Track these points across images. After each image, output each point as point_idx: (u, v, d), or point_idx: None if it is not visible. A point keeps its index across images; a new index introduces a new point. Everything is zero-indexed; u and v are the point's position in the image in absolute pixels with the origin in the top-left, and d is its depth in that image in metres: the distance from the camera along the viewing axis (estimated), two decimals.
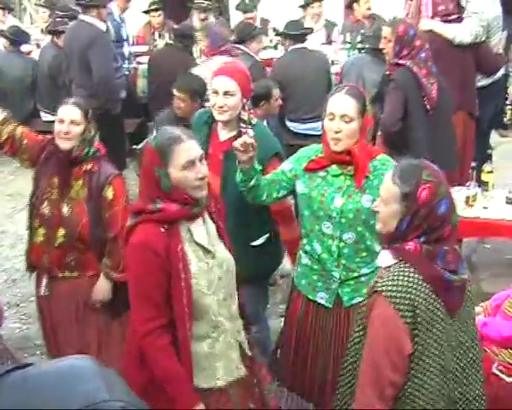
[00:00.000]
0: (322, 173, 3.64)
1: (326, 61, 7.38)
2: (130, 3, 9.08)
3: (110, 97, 6.99)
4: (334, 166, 3.61)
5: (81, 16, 7.20)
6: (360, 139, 3.56)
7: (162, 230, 3.00)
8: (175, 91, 5.91)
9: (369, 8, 8.81)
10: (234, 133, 4.06)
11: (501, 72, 7.16)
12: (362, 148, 3.55)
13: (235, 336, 3.27)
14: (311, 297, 3.81)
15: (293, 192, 3.81)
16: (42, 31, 8.72)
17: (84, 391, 1.45)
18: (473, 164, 6.23)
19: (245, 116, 4.10)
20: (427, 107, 5.63)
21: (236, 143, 3.54)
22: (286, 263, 5.77)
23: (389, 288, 2.66)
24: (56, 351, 4.28)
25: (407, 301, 2.63)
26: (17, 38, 8.09)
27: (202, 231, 3.16)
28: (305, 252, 3.79)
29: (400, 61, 5.61)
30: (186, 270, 3.02)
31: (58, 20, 8.42)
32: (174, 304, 3.02)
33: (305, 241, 3.78)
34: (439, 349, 2.69)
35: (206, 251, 3.15)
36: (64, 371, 1.52)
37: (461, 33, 6.55)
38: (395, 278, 2.67)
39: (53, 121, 5.64)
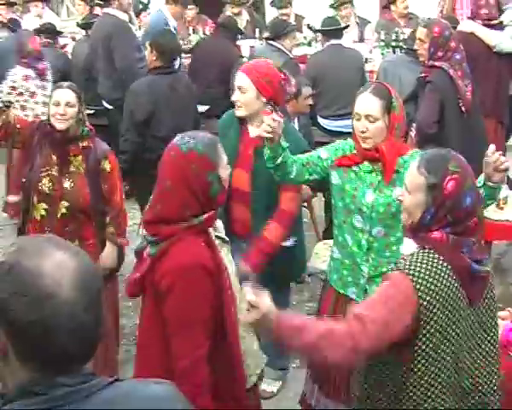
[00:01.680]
0: (355, 168, 3.69)
1: (360, 58, 7.35)
2: None
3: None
4: (365, 163, 3.67)
5: (105, 9, 7.45)
6: (389, 136, 3.59)
7: (203, 243, 2.84)
8: None
9: (406, 8, 8.74)
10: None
11: None
12: (390, 145, 3.58)
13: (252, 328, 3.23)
14: (342, 292, 3.84)
15: (323, 179, 3.84)
16: (77, 24, 8.75)
17: None
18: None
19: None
20: (463, 109, 5.59)
21: (263, 126, 3.59)
22: (314, 261, 5.82)
23: (411, 268, 2.61)
24: None
25: (428, 285, 2.57)
26: (49, 34, 8.15)
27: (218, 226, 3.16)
28: (337, 244, 3.84)
29: (436, 63, 5.57)
30: (229, 277, 2.98)
31: (90, 14, 8.53)
32: (226, 315, 2.88)
33: (337, 232, 3.85)
34: (456, 339, 2.64)
35: (226, 245, 3.14)
36: (152, 395, 1.58)
37: (504, 41, 6.51)
38: (418, 260, 2.63)
39: (90, 114, 5.74)
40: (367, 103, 3.59)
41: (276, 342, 2.52)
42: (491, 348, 2.79)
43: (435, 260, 2.61)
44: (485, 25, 6.54)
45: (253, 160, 4.20)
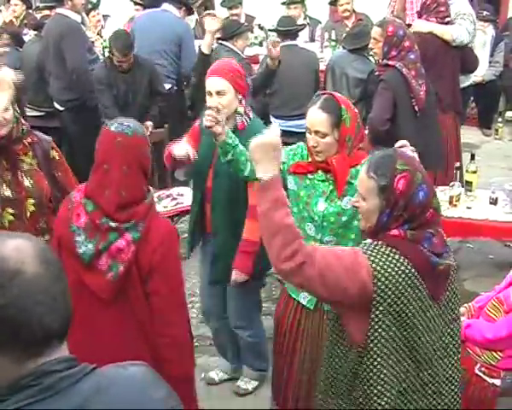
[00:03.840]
0: (310, 176, 3.67)
1: (315, 59, 7.35)
2: None
3: (84, 89, 6.98)
4: (319, 172, 3.64)
5: (57, 9, 7.31)
6: (340, 149, 3.55)
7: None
8: None
9: (344, 11, 8.75)
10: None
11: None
12: (341, 158, 3.54)
13: None
14: (293, 296, 3.83)
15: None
16: (25, 25, 8.59)
17: (156, 399, 1.56)
18: (457, 164, 6.27)
19: (241, 110, 4.19)
20: (416, 108, 5.65)
21: (205, 122, 3.76)
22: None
23: (369, 251, 2.64)
24: None
25: (384, 268, 2.59)
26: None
27: None
28: None
29: (390, 62, 5.62)
30: None
31: (37, 15, 8.38)
32: None
33: None
34: (411, 327, 2.66)
35: None
36: (134, 379, 1.60)
37: (461, 34, 6.63)
38: (376, 248, 2.65)
39: (38, 116, 5.64)
40: (315, 119, 3.54)
41: (257, 187, 2.62)
42: (451, 340, 2.82)
43: (392, 251, 2.63)
44: (439, 23, 6.63)
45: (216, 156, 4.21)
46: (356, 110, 3.67)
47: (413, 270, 2.63)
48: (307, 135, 3.63)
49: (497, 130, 9.73)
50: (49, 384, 1.45)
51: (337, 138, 3.53)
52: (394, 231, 2.68)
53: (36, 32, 7.84)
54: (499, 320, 3.56)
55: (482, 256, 6.66)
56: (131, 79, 6.82)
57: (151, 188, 3.13)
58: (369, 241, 2.76)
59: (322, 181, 3.63)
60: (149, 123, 6.81)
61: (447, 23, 6.64)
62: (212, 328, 4.83)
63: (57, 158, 4.43)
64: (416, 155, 3.24)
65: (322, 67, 7.59)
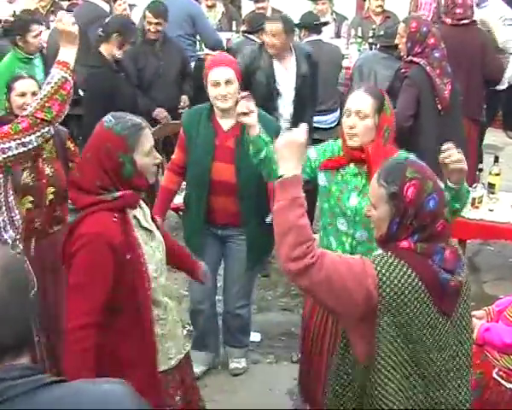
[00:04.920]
0: (341, 171, 3.69)
1: (339, 54, 7.32)
2: None
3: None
4: (351, 166, 3.66)
5: None
6: (376, 138, 3.59)
7: (114, 219, 2.98)
8: None
9: (378, 6, 8.72)
10: (236, 118, 4.18)
11: None
12: (376, 146, 3.57)
13: (178, 313, 3.39)
14: None
15: (313, 180, 3.85)
16: (52, 12, 8.60)
17: None
18: (480, 166, 6.23)
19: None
20: (439, 107, 5.62)
21: (239, 108, 3.77)
22: None
23: (377, 261, 2.62)
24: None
25: (390, 279, 2.56)
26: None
27: (142, 215, 3.21)
28: (322, 246, 3.80)
29: (414, 59, 5.62)
30: (143, 256, 3.07)
31: (64, 3, 8.40)
32: (139, 291, 3.03)
33: (322, 234, 3.85)
34: (417, 341, 2.62)
35: (150, 235, 3.21)
36: (101, 394, 1.54)
37: (509, 40, 6.57)
38: (384, 258, 2.63)
39: None
40: (359, 100, 3.61)
41: (277, 184, 2.58)
42: (465, 360, 2.78)
43: (400, 263, 2.60)
44: (454, 24, 6.57)
45: (235, 152, 4.33)
46: (394, 110, 3.74)
47: (420, 283, 2.59)
48: (344, 119, 3.65)
49: None
50: None
51: (376, 125, 3.58)
52: (404, 243, 2.65)
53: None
54: None
55: (503, 259, 6.62)
56: (163, 55, 6.86)
57: (115, 193, 3.00)
58: (379, 251, 2.74)
59: (355, 175, 3.66)
60: (185, 97, 7.00)
61: (463, 25, 6.55)
62: (201, 317, 4.89)
63: (72, 149, 4.55)
64: (461, 156, 3.22)
65: (348, 63, 7.56)
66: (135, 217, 3.11)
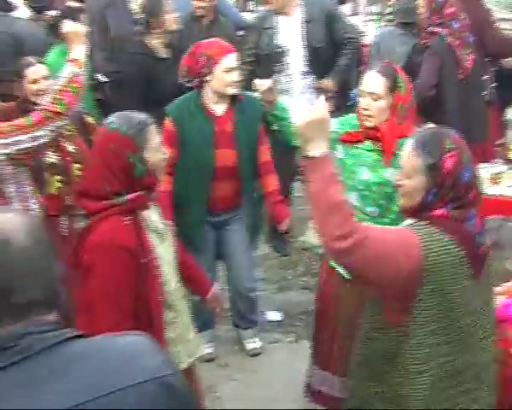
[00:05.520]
0: (357, 145, 3.73)
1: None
2: None
3: (126, 60, 6.96)
4: (367, 142, 3.71)
5: None
6: (390, 117, 3.62)
7: (127, 222, 2.89)
8: None
9: None
10: (227, 102, 4.42)
11: None
12: (391, 125, 3.61)
13: (188, 315, 3.29)
14: (334, 266, 3.85)
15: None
16: None
17: (148, 365, 1.54)
18: (500, 141, 6.18)
19: None
20: (461, 77, 5.61)
21: (260, 86, 3.88)
22: (309, 235, 5.82)
23: (417, 229, 2.60)
24: None
25: (432, 246, 2.54)
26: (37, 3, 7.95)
27: (152, 216, 3.11)
28: None
29: (435, 29, 5.62)
30: (156, 259, 2.99)
31: None
32: (150, 296, 2.94)
33: None
34: (456, 305, 2.62)
35: (161, 237, 3.11)
36: (125, 346, 1.59)
37: None
38: (422, 226, 2.61)
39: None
40: (371, 81, 3.64)
41: (307, 165, 2.46)
42: (489, 321, 2.79)
43: (441, 231, 2.59)
44: None
45: (234, 136, 4.41)
46: (411, 85, 3.73)
47: (458, 249, 2.59)
48: (360, 100, 3.69)
49: None
50: (25, 346, 1.47)
51: (390, 104, 3.61)
52: (438, 211, 2.64)
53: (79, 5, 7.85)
54: None
55: None
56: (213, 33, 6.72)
57: (126, 196, 2.91)
58: (410, 221, 2.73)
59: (369, 151, 3.69)
60: None
61: None
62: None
63: (92, 123, 4.61)
64: None
65: (366, 41, 7.51)
66: (146, 219, 3.02)
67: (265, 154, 4.58)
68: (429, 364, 2.65)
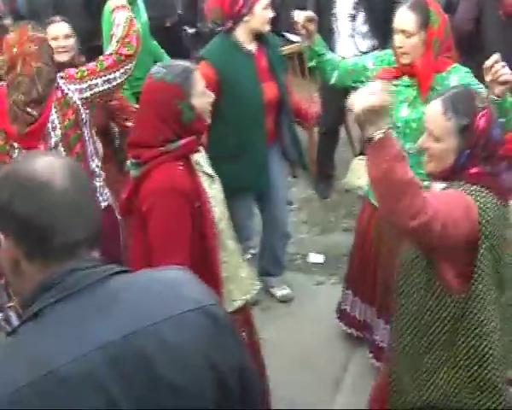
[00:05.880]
0: (395, 82, 3.68)
1: None
2: None
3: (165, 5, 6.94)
4: (404, 78, 3.68)
5: None
6: (425, 52, 3.57)
7: (180, 167, 2.97)
8: None
9: None
10: (255, 41, 4.43)
11: None
12: (426, 61, 3.57)
13: (240, 254, 3.36)
14: (375, 203, 3.82)
15: None
16: None
17: (190, 295, 1.61)
18: None
19: None
20: (501, 11, 5.52)
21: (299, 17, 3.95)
22: (350, 177, 5.80)
23: (469, 191, 2.55)
24: None
25: (482, 205, 2.51)
26: None
27: (202, 159, 3.19)
28: None
29: None
30: (209, 202, 3.07)
31: None
32: (207, 237, 3.03)
33: None
34: (502, 264, 2.61)
35: (212, 179, 3.18)
36: (168, 278, 1.67)
37: None
38: (466, 188, 2.56)
39: None
40: (403, 19, 3.59)
41: (370, 148, 2.34)
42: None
43: (485, 189, 2.56)
44: None
45: (271, 69, 4.46)
46: (446, 16, 3.67)
47: (502, 203, 2.58)
48: (394, 37, 3.65)
49: None
50: (72, 282, 1.52)
51: (424, 40, 3.55)
52: (474, 170, 2.60)
53: None
54: None
55: None
56: None
57: (178, 142, 2.97)
58: (442, 184, 2.69)
59: (407, 87, 3.66)
60: None
61: None
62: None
63: None
64: (507, 69, 3.14)
65: None
66: (197, 163, 3.10)
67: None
68: (493, 320, 2.60)
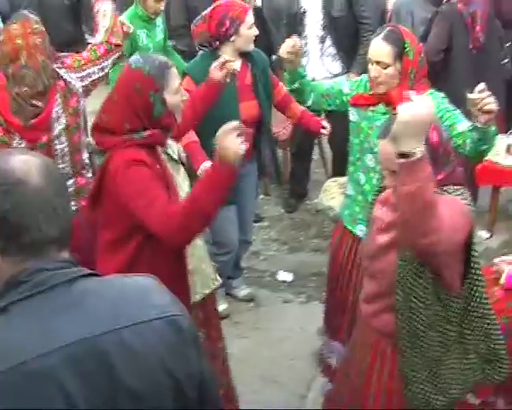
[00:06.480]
0: (371, 108, 3.73)
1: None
2: None
3: None
4: (380, 105, 3.70)
5: None
6: (401, 82, 3.59)
7: (144, 153, 2.93)
8: None
9: None
10: (238, 58, 4.46)
11: None
12: (401, 91, 3.53)
13: (205, 248, 3.41)
14: (349, 228, 3.91)
15: (343, 112, 3.95)
16: None
17: (156, 304, 1.64)
18: None
19: None
20: (471, 46, 5.66)
21: (285, 47, 3.92)
22: (322, 197, 5.86)
23: (455, 193, 2.69)
24: None
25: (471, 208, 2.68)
26: None
27: (171, 151, 3.28)
28: (351, 181, 3.93)
29: None
30: (176, 186, 3.10)
31: None
32: None
33: (351, 169, 3.92)
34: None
35: (178, 168, 3.25)
36: (137, 285, 1.69)
37: None
38: (451, 190, 2.70)
39: None
40: (378, 50, 3.59)
41: (407, 163, 2.29)
42: None
43: (455, 188, 2.72)
44: None
45: (255, 87, 4.53)
46: (420, 44, 3.71)
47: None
48: (369, 67, 3.66)
49: None
50: (40, 281, 1.54)
51: (399, 70, 3.57)
52: (440, 176, 2.69)
53: None
54: None
55: None
56: None
57: (144, 133, 2.94)
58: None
59: (383, 114, 3.67)
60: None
61: None
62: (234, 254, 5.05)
63: None
64: (492, 98, 3.22)
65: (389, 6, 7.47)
66: (165, 153, 3.13)
67: (282, 90, 4.63)
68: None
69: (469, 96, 3.21)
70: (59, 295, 1.55)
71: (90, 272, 1.64)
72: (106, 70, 3.72)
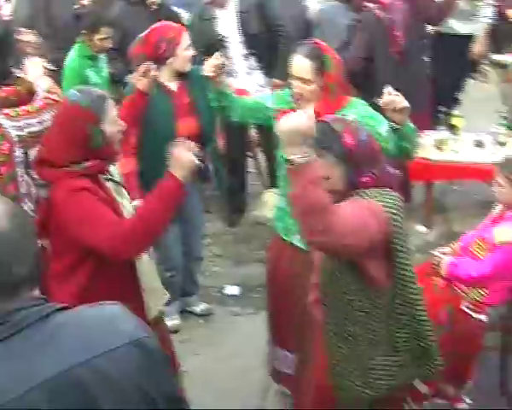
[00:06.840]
0: None
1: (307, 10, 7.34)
2: None
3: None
4: None
5: None
6: (323, 96, 3.64)
7: (87, 182, 3.03)
8: None
9: None
10: (178, 78, 4.60)
11: None
12: (325, 105, 3.62)
13: (152, 265, 3.46)
14: (287, 239, 3.89)
15: (269, 127, 3.95)
16: None
17: (125, 330, 1.70)
18: (443, 108, 6.37)
19: None
20: (393, 52, 5.78)
21: (208, 64, 4.08)
22: (262, 210, 5.95)
23: (373, 196, 2.77)
24: None
25: (390, 208, 2.74)
26: None
27: (113, 168, 3.30)
28: (282, 194, 3.92)
29: (367, 4, 5.77)
30: (120, 209, 3.15)
31: None
32: None
33: (281, 183, 3.92)
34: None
35: (121, 192, 3.27)
36: (103, 313, 1.75)
37: None
38: (373, 193, 2.78)
39: None
40: (299, 66, 3.64)
41: (289, 169, 2.51)
42: None
43: (375, 190, 2.79)
44: None
45: (194, 103, 4.62)
46: (339, 57, 3.75)
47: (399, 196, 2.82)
48: (292, 82, 3.70)
49: (483, 73, 9.71)
50: (16, 321, 1.59)
51: (321, 85, 3.62)
52: (364, 179, 2.80)
53: None
54: (484, 258, 3.71)
55: (469, 197, 6.75)
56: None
57: (85, 164, 3.03)
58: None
59: None
60: None
61: None
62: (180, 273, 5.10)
63: None
64: (401, 98, 3.35)
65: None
66: (106, 178, 3.17)
67: None
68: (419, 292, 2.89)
69: (380, 100, 3.33)
70: (35, 332, 1.60)
71: (61, 305, 1.69)
72: (44, 124, 3.64)
